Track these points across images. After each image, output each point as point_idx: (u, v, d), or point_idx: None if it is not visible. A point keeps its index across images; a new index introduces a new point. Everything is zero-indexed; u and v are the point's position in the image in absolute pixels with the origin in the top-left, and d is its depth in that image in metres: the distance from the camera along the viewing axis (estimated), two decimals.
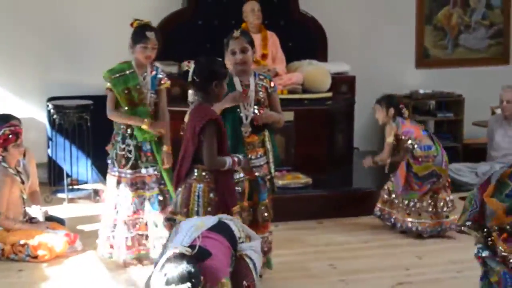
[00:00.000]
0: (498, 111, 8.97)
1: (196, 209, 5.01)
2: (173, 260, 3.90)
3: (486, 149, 9.10)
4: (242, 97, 5.50)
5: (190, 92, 8.08)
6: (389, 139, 6.98)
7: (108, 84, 6.30)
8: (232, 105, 5.46)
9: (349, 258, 6.52)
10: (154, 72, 6.35)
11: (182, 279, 3.82)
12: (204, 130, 4.94)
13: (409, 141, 6.96)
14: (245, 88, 5.62)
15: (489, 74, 9.91)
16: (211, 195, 5.02)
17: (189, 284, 3.82)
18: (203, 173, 5.05)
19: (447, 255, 6.53)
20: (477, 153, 9.36)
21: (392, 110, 6.96)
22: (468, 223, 4.23)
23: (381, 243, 6.76)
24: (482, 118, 9.50)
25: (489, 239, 4.14)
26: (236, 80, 5.63)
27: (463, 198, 8.31)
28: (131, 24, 6.39)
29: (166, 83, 6.43)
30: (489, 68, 10.07)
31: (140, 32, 6.24)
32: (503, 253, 4.27)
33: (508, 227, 4.05)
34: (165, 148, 6.23)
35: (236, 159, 5.07)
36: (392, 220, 7.04)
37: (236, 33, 5.74)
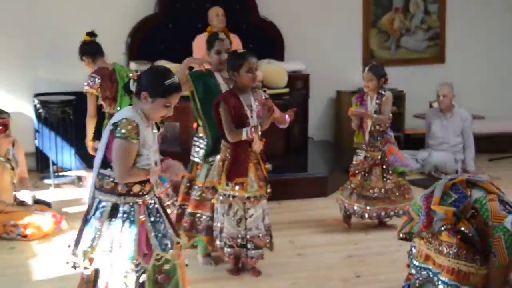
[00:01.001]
0: (435, 104, 9.06)
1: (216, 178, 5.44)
2: None
3: (425, 138, 9.21)
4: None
5: None
6: (386, 109, 6.54)
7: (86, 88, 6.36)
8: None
9: (305, 234, 6.56)
10: None
11: None
12: (216, 111, 5.29)
13: (391, 116, 6.70)
14: (226, 81, 5.62)
15: (427, 72, 10.01)
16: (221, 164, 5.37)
17: None
18: (223, 147, 5.38)
19: (391, 232, 6.58)
20: (416, 141, 9.46)
21: (383, 80, 6.60)
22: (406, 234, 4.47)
23: (333, 222, 6.79)
24: (421, 111, 9.59)
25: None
26: (217, 75, 5.65)
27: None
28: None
29: None
30: (427, 67, 10.16)
31: None
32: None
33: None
34: None
35: (252, 128, 5.24)
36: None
37: (222, 35, 5.77)
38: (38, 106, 8.45)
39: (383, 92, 6.60)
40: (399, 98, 9.72)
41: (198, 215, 5.68)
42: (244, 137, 5.23)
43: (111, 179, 4.13)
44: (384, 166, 6.58)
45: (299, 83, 8.80)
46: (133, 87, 4.11)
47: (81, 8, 8.82)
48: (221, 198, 5.43)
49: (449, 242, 4.13)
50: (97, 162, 4.21)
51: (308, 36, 9.44)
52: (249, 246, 5.41)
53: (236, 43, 8.42)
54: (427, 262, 4.31)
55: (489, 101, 10.32)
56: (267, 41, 9.11)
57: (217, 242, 5.49)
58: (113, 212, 4.12)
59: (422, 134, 9.34)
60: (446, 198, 4.20)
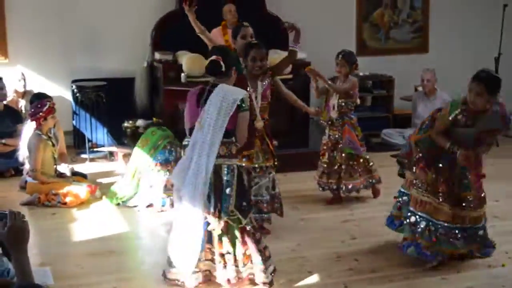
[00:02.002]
0: (420, 88, 9.01)
1: None
2: None
3: (411, 118, 9.15)
4: None
5: (183, 75, 8.08)
6: (346, 86, 6.31)
7: None
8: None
9: (307, 202, 6.54)
10: None
11: None
12: None
13: (358, 101, 6.53)
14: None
15: (413, 60, 9.92)
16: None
17: None
18: None
19: (379, 199, 6.56)
20: (404, 121, 9.40)
21: (354, 66, 6.44)
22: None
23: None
24: (408, 94, 9.53)
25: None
26: (241, 60, 5.44)
27: (393, 156, 8.42)
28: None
29: None
30: (413, 56, 10.06)
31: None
32: (411, 179, 5.03)
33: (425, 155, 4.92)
34: None
35: None
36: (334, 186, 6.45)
37: (246, 24, 5.75)
38: (75, 90, 8.43)
39: (351, 77, 6.42)
40: (388, 83, 9.66)
41: None
42: None
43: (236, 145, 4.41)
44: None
45: (301, 69, 8.70)
46: (223, 67, 4.40)
47: (112, 4, 8.77)
48: None
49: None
50: (219, 135, 4.28)
51: (309, 29, 9.31)
52: (254, 210, 5.35)
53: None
54: (408, 189, 5.03)
55: (466, 85, 10.19)
56: (274, 33, 9.03)
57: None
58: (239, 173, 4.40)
59: (409, 114, 9.28)
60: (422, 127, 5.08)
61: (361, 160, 6.42)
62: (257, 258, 4.43)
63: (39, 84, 8.45)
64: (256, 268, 4.44)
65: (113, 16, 8.78)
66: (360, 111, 9.06)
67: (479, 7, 10.33)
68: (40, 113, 6.53)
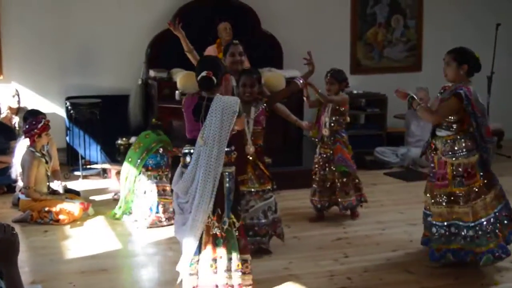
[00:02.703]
0: None
1: None
2: None
3: (404, 136, 9.18)
4: None
5: (177, 92, 8.09)
6: (337, 98, 6.32)
7: None
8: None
9: (301, 220, 6.52)
10: None
11: None
12: None
13: (348, 119, 6.45)
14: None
15: (406, 78, 9.94)
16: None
17: None
18: None
19: (373, 217, 6.56)
20: (397, 139, 9.43)
21: (344, 84, 6.44)
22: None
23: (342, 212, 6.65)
24: (401, 112, 9.54)
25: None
26: (232, 79, 5.59)
27: (386, 174, 8.44)
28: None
29: None
30: (406, 74, 10.10)
31: None
32: None
33: None
34: None
35: None
36: (327, 204, 6.46)
37: (235, 41, 5.77)
38: (69, 107, 8.43)
39: (342, 94, 6.42)
40: (382, 101, 9.68)
41: None
42: None
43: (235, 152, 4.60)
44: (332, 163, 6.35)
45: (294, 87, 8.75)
46: (215, 81, 4.49)
47: (107, 22, 8.81)
48: None
49: None
50: (223, 147, 4.43)
51: (304, 48, 9.32)
52: (250, 233, 5.36)
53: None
54: None
55: None
56: (268, 51, 9.06)
57: None
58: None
59: (402, 132, 9.32)
60: None
61: (352, 178, 6.42)
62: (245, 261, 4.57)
63: (33, 101, 8.45)
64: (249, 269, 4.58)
65: (107, 33, 8.80)
66: (353, 129, 9.10)
67: (472, 26, 10.39)
68: (35, 130, 6.52)
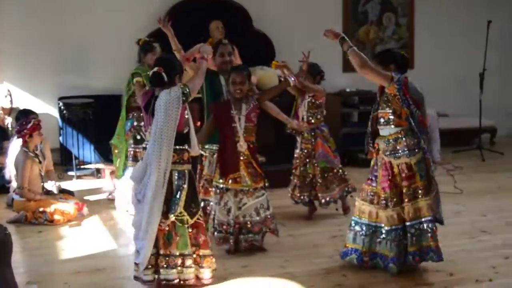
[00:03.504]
0: None
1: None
2: None
3: None
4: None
5: None
6: (312, 85, 6.29)
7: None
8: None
9: (295, 218, 6.53)
10: None
11: None
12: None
13: (324, 112, 6.45)
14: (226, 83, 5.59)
15: None
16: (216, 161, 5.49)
17: None
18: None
19: None
20: None
21: (319, 77, 6.46)
22: None
23: (318, 207, 6.71)
24: None
25: None
26: (221, 78, 5.64)
27: None
28: (137, 42, 6.43)
29: None
30: None
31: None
32: None
33: None
34: None
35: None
36: (307, 199, 6.43)
37: (225, 41, 5.77)
38: (62, 107, 8.42)
39: (317, 86, 6.41)
40: (374, 99, 9.59)
41: (206, 201, 5.64)
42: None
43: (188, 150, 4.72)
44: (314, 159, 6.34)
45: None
46: (165, 78, 4.57)
47: (100, 22, 8.81)
48: (214, 189, 5.44)
49: None
50: (171, 139, 4.52)
51: (296, 46, 9.34)
52: (243, 231, 5.40)
53: (234, 52, 8.40)
54: None
55: (451, 101, 10.30)
56: (260, 50, 9.06)
57: (211, 228, 5.46)
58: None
59: None
60: None
61: (335, 171, 6.41)
62: (204, 256, 4.73)
63: (26, 101, 8.43)
64: (203, 264, 4.73)
65: (100, 33, 8.79)
66: (346, 127, 9.11)
67: (463, 23, 10.43)
68: (25, 130, 6.50)
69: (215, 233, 5.42)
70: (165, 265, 4.65)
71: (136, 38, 7.02)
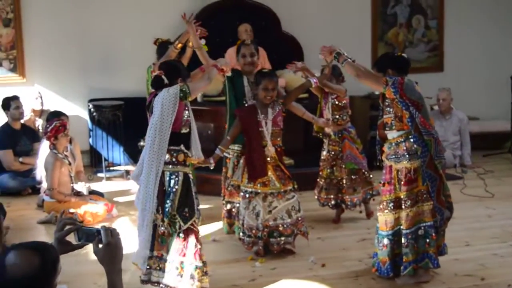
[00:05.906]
0: (436, 107, 8.98)
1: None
2: None
3: None
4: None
5: (199, 94, 8.03)
6: (334, 85, 6.21)
7: None
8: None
9: (324, 221, 6.49)
10: None
11: None
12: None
13: (349, 112, 6.37)
14: (250, 85, 5.61)
15: (428, 79, 9.86)
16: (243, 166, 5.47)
17: None
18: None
19: None
20: None
21: (341, 78, 6.39)
22: None
23: (348, 210, 6.65)
24: None
25: None
26: (244, 78, 5.62)
27: None
28: (154, 42, 6.36)
29: None
30: (428, 75, 10.02)
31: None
32: None
33: None
34: None
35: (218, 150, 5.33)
36: (333, 202, 6.35)
37: (247, 41, 5.74)
38: (92, 110, 8.47)
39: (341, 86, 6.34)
40: None
41: (232, 204, 5.63)
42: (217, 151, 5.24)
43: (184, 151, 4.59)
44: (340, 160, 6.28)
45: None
46: (165, 81, 4.54)
47: (129, 24, 8.87)
48: (242, 194, 5.39)
49: None
50: (165, 141, 4.49)
51: None
52: (275, 234, 5.37)
53: (262, 55, 8.38)
54: None
55: (482, 104, 10.20)
56: (289, 52, 9.04)
57: (240, 233, 5.43)
58: None
59: None
60: None
61: (361, 173, 6.36)
62: (189, 266, 4.49)
63: (56, 103, 8.50)
64: (186, 274, 4.48)
65: (130, 35, 8.84)
66: (373, 130, 9.02)
67: (494, 25, 10.31)
68: (48, 133, 6.53)
69: (245, 237, 5.40)
70: (158, 268, 4.58)
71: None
